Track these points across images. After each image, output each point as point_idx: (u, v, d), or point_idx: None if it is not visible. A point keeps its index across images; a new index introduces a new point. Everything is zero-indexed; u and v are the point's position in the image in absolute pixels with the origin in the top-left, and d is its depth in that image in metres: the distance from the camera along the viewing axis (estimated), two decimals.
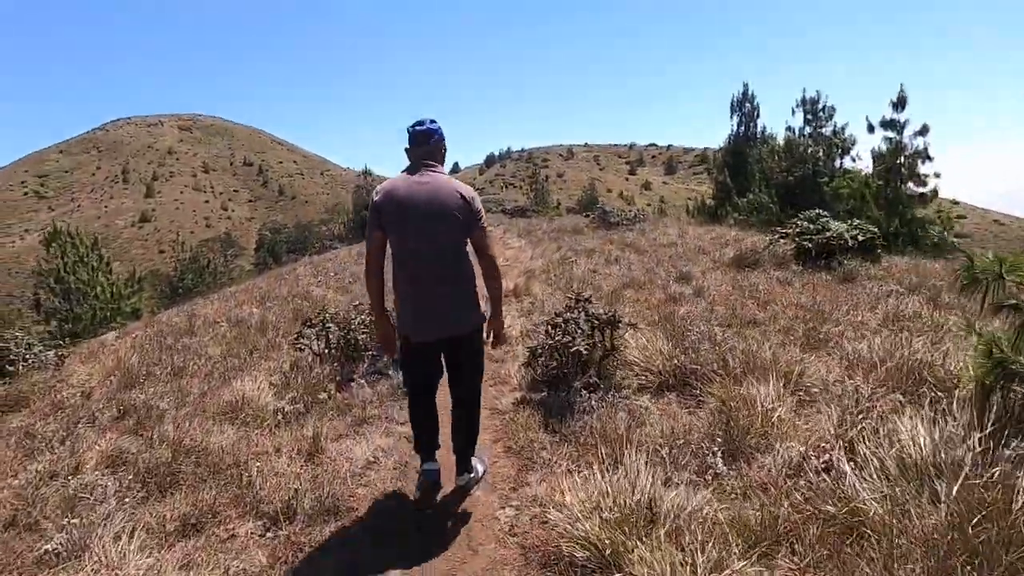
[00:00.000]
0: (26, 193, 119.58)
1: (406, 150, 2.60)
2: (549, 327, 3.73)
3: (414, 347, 2.61)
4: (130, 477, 2.94)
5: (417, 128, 2.57)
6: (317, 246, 31.47)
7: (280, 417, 3.59)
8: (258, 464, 2.95)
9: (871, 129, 12.30)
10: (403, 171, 2.58)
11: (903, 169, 11.79)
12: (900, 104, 11.93)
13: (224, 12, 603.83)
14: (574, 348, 3.38)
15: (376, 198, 2.51)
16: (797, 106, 14.46)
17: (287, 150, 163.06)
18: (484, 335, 2.71)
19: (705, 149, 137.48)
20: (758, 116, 17.80)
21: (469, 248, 2.58)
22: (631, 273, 7.79)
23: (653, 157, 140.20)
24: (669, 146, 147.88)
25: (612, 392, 3.35)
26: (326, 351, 4.41)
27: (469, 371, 2.71)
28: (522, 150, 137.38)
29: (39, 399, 4.73)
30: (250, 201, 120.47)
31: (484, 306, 2.67)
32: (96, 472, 3.06)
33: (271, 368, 4.70)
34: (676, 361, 3.57)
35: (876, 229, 7.32)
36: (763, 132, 17.61)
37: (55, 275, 18.73)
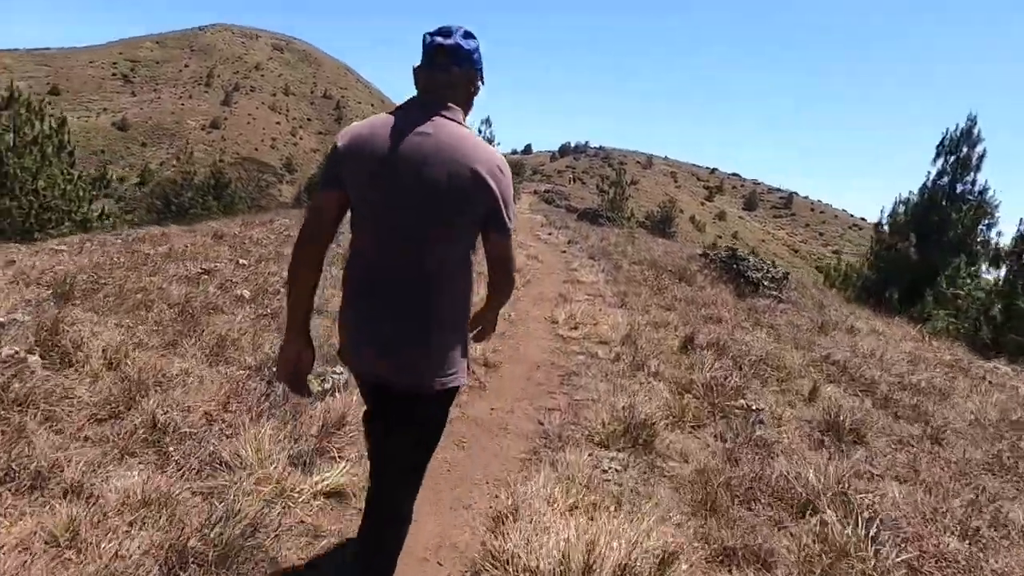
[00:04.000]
0: (115, 74, 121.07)
1: (415, 71, 1.46)
2: None
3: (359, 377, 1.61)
4: None
5: (438, 39, 1.40)
6: None
7: None
8: None
9: None
10: (397, 108, 1.45)
11: None
12: None
13: None
14: None
15: (340, 143, 1.43)
16: None
17: (369, 92, 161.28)
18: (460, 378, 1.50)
19: (792, 194, 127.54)
20: (979, 168, 11.98)
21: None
22: (939, 515, 2.64)
23: (734, 187, 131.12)
24: (756, 181, 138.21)
25: None
26: None
27: (412, 447, 1.54)
28: (600, 147, 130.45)
29: None
30: (320, 133, 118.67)
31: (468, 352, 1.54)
32: None
33: None
34: None
35: None
36: (982, 192, 11.79)
37: None
